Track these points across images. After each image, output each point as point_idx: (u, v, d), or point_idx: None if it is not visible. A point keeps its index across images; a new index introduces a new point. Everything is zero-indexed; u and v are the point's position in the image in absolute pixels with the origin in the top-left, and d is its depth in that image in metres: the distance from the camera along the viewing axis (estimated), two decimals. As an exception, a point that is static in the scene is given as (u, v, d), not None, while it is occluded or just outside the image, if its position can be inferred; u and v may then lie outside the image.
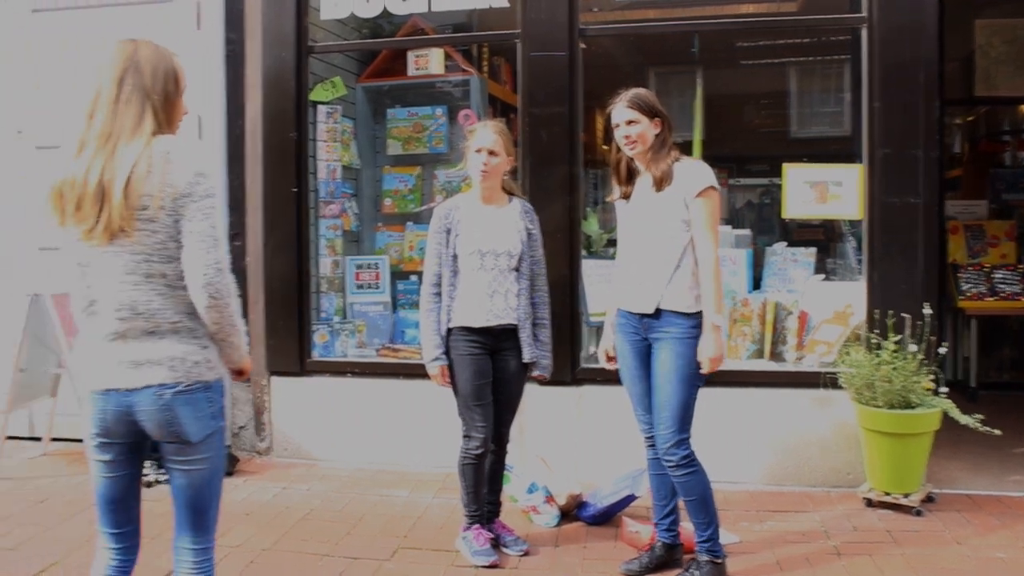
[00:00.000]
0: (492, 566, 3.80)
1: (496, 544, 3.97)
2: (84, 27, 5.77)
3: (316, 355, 5.52)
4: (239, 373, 2.58)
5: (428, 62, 5.88)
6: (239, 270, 5.54)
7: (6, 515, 4.52)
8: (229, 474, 5.16)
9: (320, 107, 5.65)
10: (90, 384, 2.38)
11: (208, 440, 2.43)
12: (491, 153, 3.80)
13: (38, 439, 5.68)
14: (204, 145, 5.52)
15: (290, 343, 5.47)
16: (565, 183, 5.03)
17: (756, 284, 5.37)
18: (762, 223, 7.45)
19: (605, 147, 7.22)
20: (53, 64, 5.84)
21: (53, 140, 5.82)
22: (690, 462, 3.44)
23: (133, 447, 2.46)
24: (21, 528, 4.35)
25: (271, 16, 5.43)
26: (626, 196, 3.66)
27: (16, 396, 5.20)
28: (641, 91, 3.53)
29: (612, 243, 5.68)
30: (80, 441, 5.24)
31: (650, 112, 3.47)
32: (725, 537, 3.76)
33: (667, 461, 3.45)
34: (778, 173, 5.05)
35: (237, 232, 5.56)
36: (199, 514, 2.49)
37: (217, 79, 5.55)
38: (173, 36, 5.54)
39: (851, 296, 4.93)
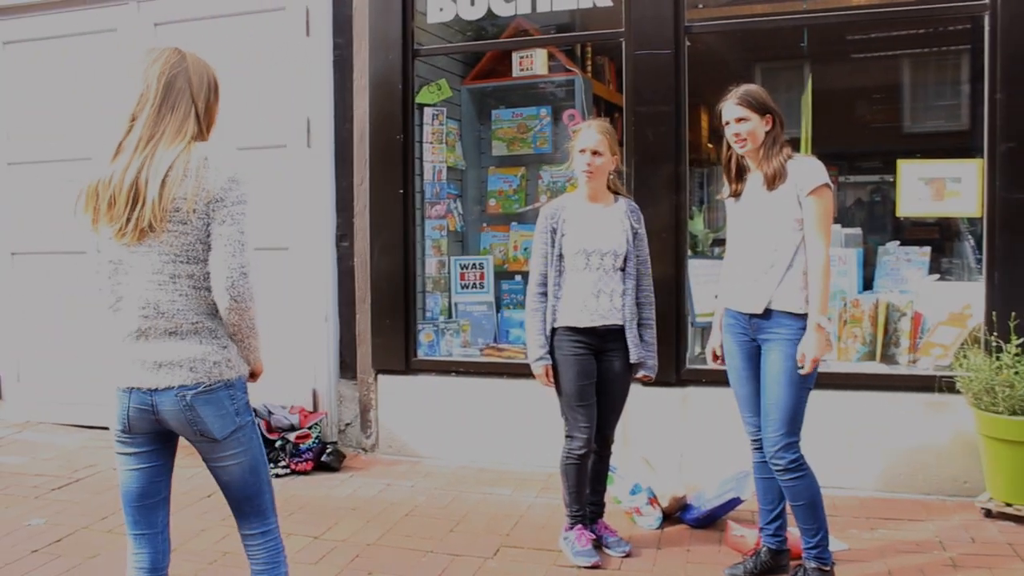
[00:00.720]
0: (594, 567, 3.79)
1: (598, 545, 3.96)
2: (202, 38, 5.98)
3: (421, 354, 5.61)
4: (251, 376, 2.59)
5: (532, 63, 5.89)
6: (347, 270, 5.69)
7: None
8: (335, 470, 5.28)
9: (426, 109, 5.74)
10: (114, 381, 2.43)
11: (234, 436, 2.44)
12: (595, 153, 3.79)
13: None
14: (313, 148, 5.68)
15: (396, 342, 5.57)
16: (671, 182, 4.98)
17: (867, 284, 5.21)
18: (873, 221, 7.23)
19: (710, 145, 7.13)
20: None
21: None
22: (799, 466, 3.36)
23: (156, 440, 2.50)
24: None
25: (378, 21, 5.53)
26: (736, 194, 3.61)
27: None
28: (752, 87, 3.46)
29: (718, 243, 5.61)
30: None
31: (761, 109, 3.40)
32: (834, 544, 3.66)
33: (775, 464, 3.38)
34: (890, 170, 4.91)
35: (344, 233, 5.69)
36: (247, 502, 2.53)
37: (325, 84, 5.69)
38: (283, 43, 5.73)
39: (969, 297, 4.74)
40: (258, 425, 5.33)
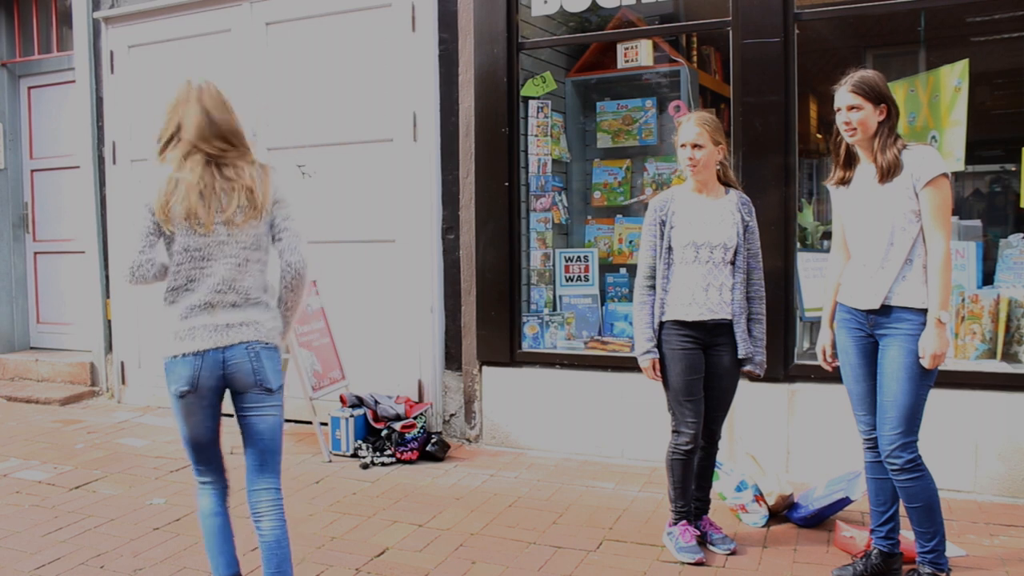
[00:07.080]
0: (698, 563, 3.75)
1: (703, 541, 3.93)
2: (311, 36, 6.14)
3: (526, 346, 5.65)
4: None
5: (637, 54, 5.85)
6: (452, 262, 5.75)
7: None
8: (439, 459, 5.36)
9: (531, 102, 5.76)
10: (181, 349, 2.90)
11: (280, 390, 3.02)
12: (696, 147, 3.75)
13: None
14: (419, 142, 5.76)
15: (501, 334, 5.61)
16: (780, 174, 4.87)
17: (987, 279, 5.00)
18: (993, 213, 6.91)
19: (820, 136, 6.94)
20: (284, 72, 6.27)
21: (281, 142, 6.27)
22: (916, 466, 3.25)
23: (211, 395, 2.96)
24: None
25: (483, 15, 5.57)
26: (844, 182, 3.50)
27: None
28: (868, 74, 3.32)
29: (828, 235, 5.46)
30: (308, 423, 5.59)
31: (875, 98, 3.27)
32: (951, 550, 3.55)
33: (891, 464, 3.28)
34: (1012, 158, 4.68)
35: (450, 226, 5.76)
36: (272, 456, 3.03)
37: (431, 78, 5.76)
38: (390, 39, 5.84)
39: (1100, 293, 4.51)
40: (365, 415, 5.48)
